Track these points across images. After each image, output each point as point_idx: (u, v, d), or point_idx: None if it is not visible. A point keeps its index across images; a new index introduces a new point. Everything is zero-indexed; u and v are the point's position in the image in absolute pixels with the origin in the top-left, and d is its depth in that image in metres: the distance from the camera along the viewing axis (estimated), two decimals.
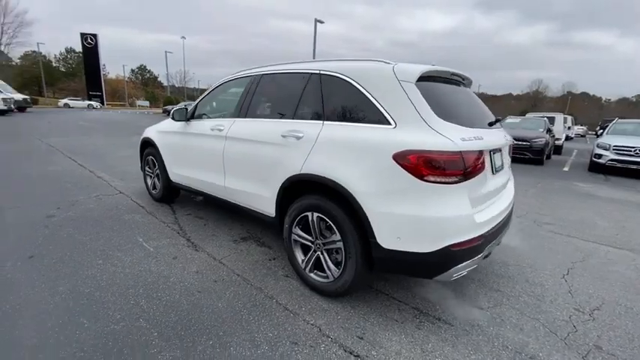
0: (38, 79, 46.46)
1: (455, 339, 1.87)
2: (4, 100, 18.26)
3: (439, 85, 2.10)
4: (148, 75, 75.90)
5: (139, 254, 2.69)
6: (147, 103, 53.87)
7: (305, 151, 2.15)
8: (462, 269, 1.81)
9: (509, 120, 11.80)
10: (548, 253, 3.15)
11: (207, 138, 3.06)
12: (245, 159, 2.66)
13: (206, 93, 3.48)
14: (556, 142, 13.14)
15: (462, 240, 1.74)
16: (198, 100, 3.48)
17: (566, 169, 9.57)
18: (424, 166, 1.68)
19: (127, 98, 56.38)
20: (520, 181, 6.89)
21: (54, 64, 60.92)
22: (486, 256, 2.06)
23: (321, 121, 2.18)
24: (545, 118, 11.59)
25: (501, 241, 2.34)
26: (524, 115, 14.81)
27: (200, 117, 3.39)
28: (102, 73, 48.08)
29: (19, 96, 22.74)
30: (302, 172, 2.14)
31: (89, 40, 44.33)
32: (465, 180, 1.74)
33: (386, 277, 2.50)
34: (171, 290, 2.20)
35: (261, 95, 2.77)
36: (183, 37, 50.08)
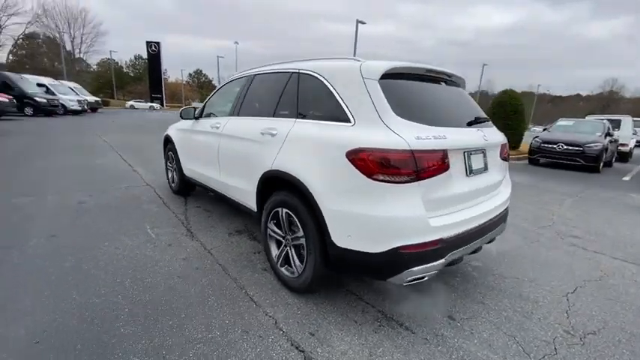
0: (110, 83, 52.38)
1: (410, 346, 1.80)
2: (79, 101, 20.97)
3: (410, 83, 2.03)
4: (203, 79, 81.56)
5: (141, 239, 2.96)
6: (201, 104, 57.74)
7: (277, 148, 2.21)
8: (417, 273, 1.74)
9: (561, 122, 10.66)
10: (559, 269, 2.84)
11: (207, 135, 3.26)
12: (234, 155, 2.80)
13: (213, 93, 3.71)
14: (621, 148, 11.61)
15: (413, 243, 1.67)
16: (207, 99, 3.72)
17: (626, 178, 8.43)
18: (374, 164, 1.64)
19: (184, 100, 61.12)
20: (561, 190, 6.25)
21: (124, 70, 68.22)
22: (454, 263, 1.95)
23: (294, 119, 2.22)
24: (606, 121, 10.30)
25: (481, 247, 2.19)
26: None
27: (208, 115, 3.61)
28: (163, 77, 52.75)
29: (91, 98, 25.92)
30: (272, 168, 2.21)
31: (153, 48, 48.90)
32: (418, 180, 1.67)
33: (363, 279, 2.46)
34: (155, 274, 2.40)
35: (252, 94, 2.89)
36: (236, 43, 53.18)
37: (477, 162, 2.06)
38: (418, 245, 1.68)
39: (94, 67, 61.44)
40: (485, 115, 2.32)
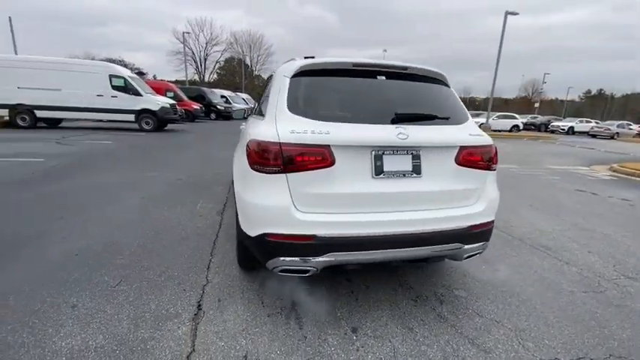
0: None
1: (281, 337, 1.83)
2: (250, 109, 26.76)
3: (327, 79, 1.98)
4: None
5: (187, 209, 3.88)
6: None
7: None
8: (290, 264, 1.76)
9: None
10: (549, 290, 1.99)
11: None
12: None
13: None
14: None
15: (279, 232, 1.71)
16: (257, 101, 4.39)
17: None
18: (253, 154, 1.78)
19: None
20: None
21: None
22: (339, 265, 1.82)
23: (253, 116, 2.53)
24: None
25: (393, 261, 1.95)
26: None
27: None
28: None
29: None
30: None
31: None
32: (285, 172, 1.69)
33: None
34: (170, 234, 3.18)
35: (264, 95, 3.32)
36: (384, 50, 55.15)
37: (394, 163, 1.81)
38: (285, 236, 1.71)
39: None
40: (433, 113, 1.95)
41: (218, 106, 23.32)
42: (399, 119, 1.84)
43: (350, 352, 1.73)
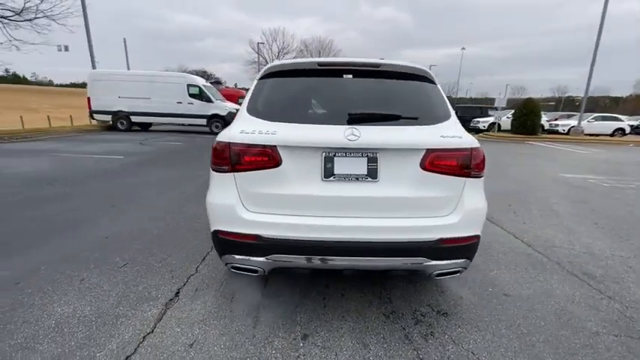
0: None
1: (232, 332, 1.87)
2: None
3: (290, 80, 1.95)
4: None
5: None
6: None
7: None
8: (240, 262, 1.80)
9: None
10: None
11: None
12: None
13: None
14: None
15: (227, 230, 1.76)
16: None
17: None
18: (211, 154, 1.86)
19: None
20: None
21: None
22: (283, 268, 1.78)
23: None
24: None
25: (345, 267, 1.82)
26: None
27: None
28: None
29: None
30: None
31: None
32: (233, 172, 1.73)
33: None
34: (189, 227, 3.49)
35: None
36: (462, 49, 51.68)
37: (347, 166, 1.70)
38: (232, 234, 1.75)
39: None
40: (395, 113, 1.77)
41: None
42: (355, 120, 1.73)
43: (288, 359, 1.69)
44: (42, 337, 1.79)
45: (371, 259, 1.72)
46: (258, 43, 33.59)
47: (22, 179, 5.37)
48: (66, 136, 12.00)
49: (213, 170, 1.83)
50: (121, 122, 13.96)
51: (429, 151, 1.70)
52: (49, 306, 2.07)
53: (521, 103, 17.23)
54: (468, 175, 1.75)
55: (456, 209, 1.76)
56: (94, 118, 14.26)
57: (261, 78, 2.00)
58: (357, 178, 1.71)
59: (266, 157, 1.70)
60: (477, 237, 1.82)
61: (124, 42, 35.40)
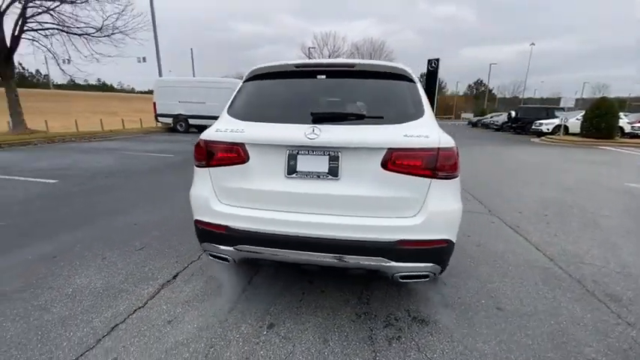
0: None
1: (206, 315, 2.03)
2: None
3: (270, 81, 2.04)
4: (482, 88, 78.06)
5: None
6: (470, 115, 56.46)
7: None
8: (213, 250, 1.95)
9: None
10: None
11: None
12: None
13: None
14: None
15: (202, 219, 1.92)
16: None
17: None
18: (194, 151, 2.03)
19: (455, 112, 61.81)
20: None
21: None
22: (244, 260, 1.89)
23: None
24: None
25: (309, 263, 1.84)
26: None
27: None
28: (437, 91, 56.18)
29: None
30: None
31: (432, 65, 52.99)
32: (208, 167, 1.88)
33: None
34: None
35: None
36: (532, 44, 47.52)
37: (309, 164, 1.74)
38: (207, 223, 1.91)
39: None
40: (359, 112, 1.76)
41: None
42: (319, 119, 1.77)
43: (248, 344, 1.79)
44: (57, 302, 2.14)
45: (333, 256, 1.73)
46: (309, 48, 34.56)
47: (89, 172, 6.29)
48: (134, 136, 13.65)
49: (195, 165, 2.01)
50: (180, 124, 15.46)
51: (390, 150, 1.68)
52: (72, 277, 2.44)
53: (593, 103, 15.16)
54: (434, 176, 1.68)
55: (420, 211, 1.70)
56: (158, 121, 15.99)
57: (245, 80, 2.14)
58: (319, 176, 1.75)
59: (235, 154, 1.83)
60: (446, 241, 1.73)
61: (191, 52, 39.00)
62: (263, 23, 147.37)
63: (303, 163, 1.76)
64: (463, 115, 58.09)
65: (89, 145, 10.85)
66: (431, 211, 1.69)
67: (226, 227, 1.84)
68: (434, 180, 1.69)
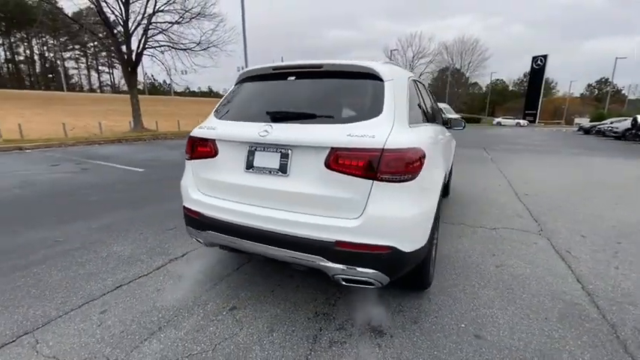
0: (485, 101, 56.56)
1: (187, 291, 2.30)
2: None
3: (252, 84, 2.17)
4: (607, 89, 64.38)
5: None
6: (586, 120, 47.27)
7: None
8: (192, 233, 2.20)
9: None
10: None
11: None
12: None
13: None
14: None
15: (186, 206, 2.19)
16: None
17: None
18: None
19: (565, 116, 52.42)
20: None
21: (510, 88, 70.02)
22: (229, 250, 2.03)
23: None
24: None
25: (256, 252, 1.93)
26: None
27: None
28: (542, 91, 48.61)
29: (454, 116, 30.55)
30: None
31: (538, 62, 46.18)
32: (191, 159, 2.14)
33: None
34: None
35: None
36: None
37: (263, 160, 1.83)
38: (187, 209, 2.18)
39: (484, 88, 68.57)
40: (309, 111, 1.78)
41: None
42: (274, 118, 1.86)
43: (205, 319, 1.97)
44: (92, 261, 2.70)
45: (277, 249, 1.80)
46: (391, 50, 33.84)
47: (171, 164, 7.49)
48: None
49: (185, 158, 2.31)
50: None
51: (333, 149, 1.66)
52: (111, 245, 3.04)
53: None
54: (376, 179, 1.60)
55: (361, 214, 1.64)
56: None
57: (237, 83, 2.35)
58: (271, 172, 1.83)
59: (208, 149, 2.05)
60: (389, 249, 1.62)
61: (281, 60, 42.07)
62: (354, 28, 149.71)
63: (259, 159, 1.87)
64: (577, 120, 48.92)
65: (171, 142, 12.82)
66: (370, 214, 1.62)
67: (199, 214, 2.07)
68: (376, 182, 1.61)
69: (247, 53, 19.54)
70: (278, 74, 2.13)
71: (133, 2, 13.48)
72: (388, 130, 1.66)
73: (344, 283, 1.74)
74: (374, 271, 1.66)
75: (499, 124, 42.83)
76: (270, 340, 1.82)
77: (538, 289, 2.40)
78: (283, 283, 2.41)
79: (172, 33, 14.55)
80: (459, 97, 52.47)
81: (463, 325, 1.97)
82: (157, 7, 14.20)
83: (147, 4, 13.95)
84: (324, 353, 1.72)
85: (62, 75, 61.30)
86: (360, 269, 1.66)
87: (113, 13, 13.74)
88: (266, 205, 1.86)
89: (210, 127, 2.07)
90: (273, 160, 1.83)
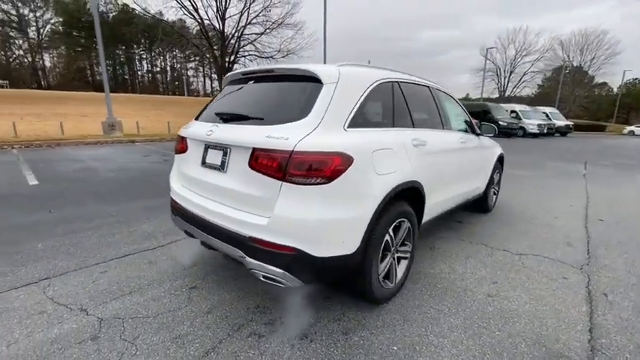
0: (614, 105, 45.69)
1: (161, 272, 2.65)
2: (538, 125, 22.32)
3: (233, 87, 2.35)
4: None
5: None
6: None
7: None
8: (171, 218, 2.54)
9: None
10: None
11: None
12: None
13: None
14: None
15: (170, 193, 2.55)
16: None
17: None
18: None
19: None
20: None
21: None
22: (192, 236, 2.28)
23: None
24: None
25: (208, 243, 2.09)
26: None
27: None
28: None
29: (562, 122, 25.78)
30: None
31: None
32: (176, 154, 2.47)
33: None
34: None
35: None
36: None
37: (212, 157, 2.00)
38: (170, 197, 2.53)
39: (615, 89, 55.92)
40: (243, 113, 1.90)
41: (499, 122, 21.36)
42: (222, 119, 2.03)
43: (167, 293, 2.27)
44: (122, 233, 3.33)
45: (213, 239, 1.96)
46: (487, 49, 30.39)
47: None
48: None
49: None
50: None
51: (255, 150, 1.74)
52: (143, 222, 3.66)
53: None
54: (285, 180, 1.62)
55: (271, 212, 1.68)
56: None
57: (222, 87, 2.61)
58: (215, 168, 2.01)
59: (183, 145, 2.34)
60: (294, 250, 1.63)
61: (368, 63, 42.12)
62: (453, 27, 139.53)
63: (209, 156, 2.07)
64: None
65: None
66: (277, 214, 1.65)
67: (173, 201, 2.39)
68: (285, 183, 1.64)
69: (327, 58, 20.27)
70: (245, 78, 2.30)
71: (227, 18, 15.48)
72: (306, 132, 1.67)
73: (262, 279, 1.80)
74: (281, 270, 1.68)
75: (632, 133, 34.42)
76: (202, 320, 2.00)
77: (523, 329, 2.01)
78: (242, 278, 2.53)
79: (258, 43, 16.22)
80: (575, 99, 43.70)
81: (394, 348, 1.81)
82: (248, 20, 15.97)
83: (240, 18, 15.83)
84: (238, 341, 1.82)
85: (184, 82, 73.82)
86: (270, 267, 1.70)
87: (214, 28, 16.01)
88: (211, 197, 2.05)
89: (187, 126, 2.37)
90: (217, 158, 2.01)
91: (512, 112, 23.80)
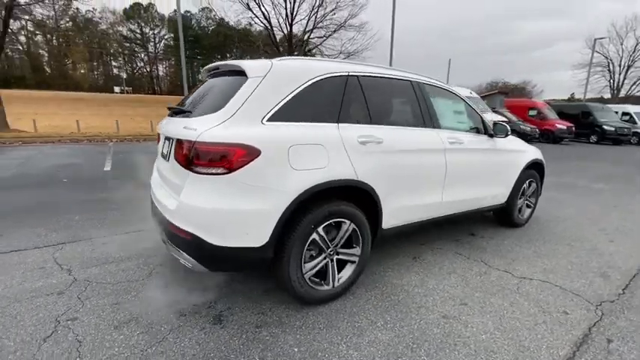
0: None
1: None
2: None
3: (201, 83, 2.53)
4: None
5: None
6: None
7: None
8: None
9: None
10: None
11: None
12: None
13: None
14: None
15: None
16: None
17: None
18: None
19: None
20: None
21: None
22: None
23: None
24: None
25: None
26: None
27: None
28: None
29: None
30: None
31: None
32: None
33: None
34: None
35: None
36: None
37: (165, 147, 2.20)
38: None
39: None
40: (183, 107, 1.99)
41: (604, 127, 17.80)
42: (173, 112, 2.22)
43: (124, 269, 2.58)
44: (137, 214, 3.80)
45: (161, 230, 2.15)
46: (595, 39, 25.27)
47: None
48: None
49: None
50: None
51: (177, 141, 1.88)
52: None
53: None
54: (191, 169, 1.71)
55: (187, 193, 1.77)
56: None
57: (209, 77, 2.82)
58: (164, 157, 2.21)
59: (158, 139, 2.63)
60: (191, 236, 1.71)
61: (449, 62, 39.49)
62: (561, 16, 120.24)
63: (164, 147, 2.28)
64: None
65: None
66: (181, 200, 1.76)
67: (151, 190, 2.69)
68: (191, 173, 1.73)
69: (393, 60, 19.68)
70: (209, 75, 2.46)
71: (295, 23, 16.29)
72: (214, 124, 1.73)
73: (182, 262, 1.93)
74: (187, 255, 1.78)
75: None
76: (146, 292, 2.22)
77: (458, 357, 1.72)
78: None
79: (322, 46, 16.66)
80: None
81: (295, 350, 1.75)
82: (315, 24, 16.54)
83: (307, 23, 16.49)
84: (162, 315, 1.98)
85: None
86: (180, 251, 1.82)
87: (282, 31, 17.02)
88: (163, 182, 2.26)
89: (162, 122, 2.65)
90: (166, 148, 2.21)
91: (626, 114, 19.59)
